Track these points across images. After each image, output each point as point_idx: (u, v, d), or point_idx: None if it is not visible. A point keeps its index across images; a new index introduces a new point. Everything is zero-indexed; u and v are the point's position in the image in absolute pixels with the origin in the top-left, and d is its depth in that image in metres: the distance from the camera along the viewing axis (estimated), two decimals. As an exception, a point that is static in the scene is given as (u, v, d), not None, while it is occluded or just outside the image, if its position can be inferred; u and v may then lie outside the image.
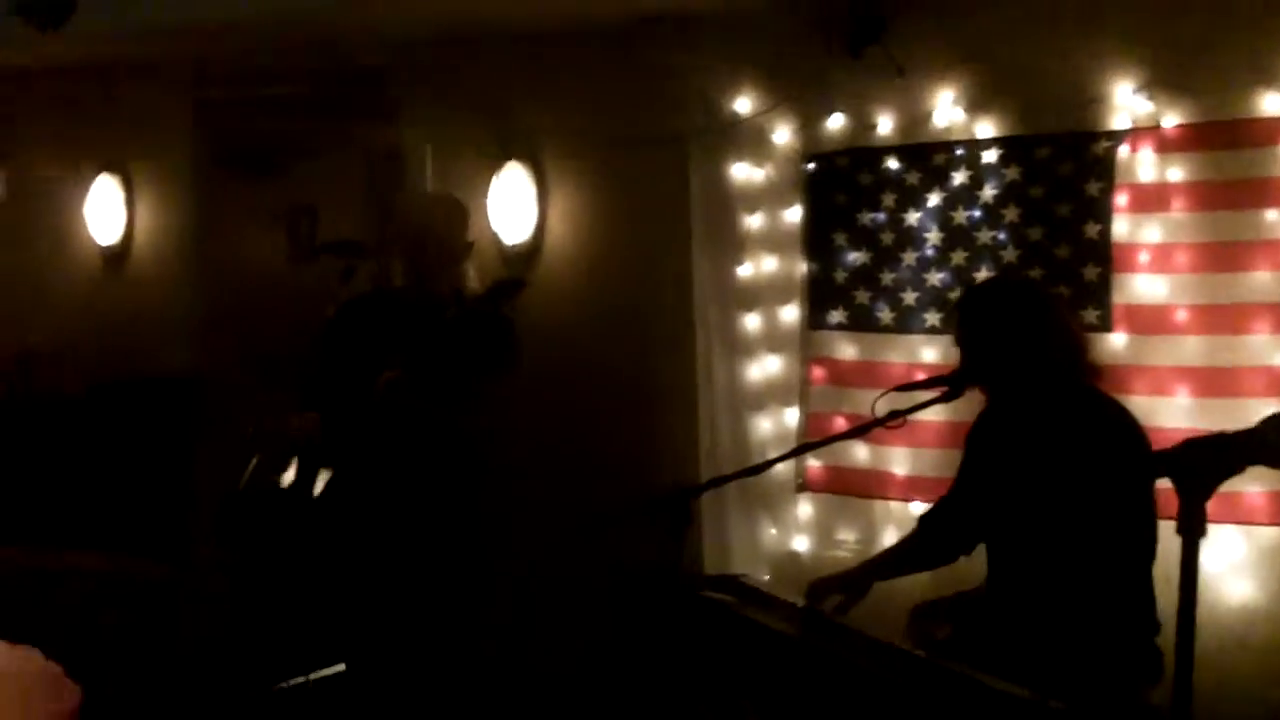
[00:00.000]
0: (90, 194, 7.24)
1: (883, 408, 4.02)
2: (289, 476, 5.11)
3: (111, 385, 7.01)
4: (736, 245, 5.44)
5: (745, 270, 5.44)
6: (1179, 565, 2.62)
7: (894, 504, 5.16)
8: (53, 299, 7.41)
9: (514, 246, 5.98)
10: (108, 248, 7.29)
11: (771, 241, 5.42)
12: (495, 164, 5.93)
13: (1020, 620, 3.94)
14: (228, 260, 7.04)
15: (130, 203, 7.19)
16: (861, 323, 5.25)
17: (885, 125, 5.16)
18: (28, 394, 7.22)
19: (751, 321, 5.46)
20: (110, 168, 7.21)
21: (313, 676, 5.07)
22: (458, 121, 6.10)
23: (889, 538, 5.07)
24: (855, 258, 5.25)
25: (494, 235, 5.96)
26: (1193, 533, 2.57)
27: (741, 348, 5.46)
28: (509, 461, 4.92)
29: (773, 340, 5.44)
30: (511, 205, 5.93)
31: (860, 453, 5.23)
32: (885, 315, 5.19)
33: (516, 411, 4.82)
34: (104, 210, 7.25)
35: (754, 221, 5.43)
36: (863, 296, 5.24)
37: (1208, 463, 2.63)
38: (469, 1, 5.28)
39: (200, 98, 6.91)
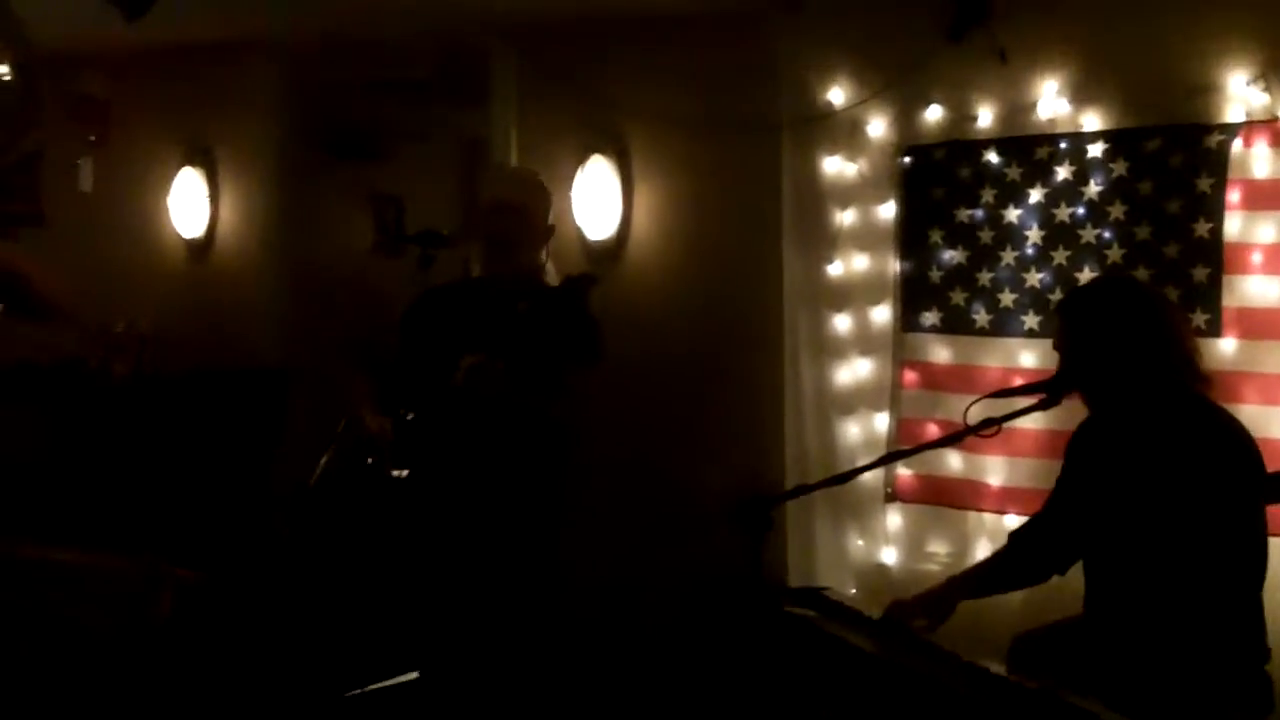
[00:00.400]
0: (174, 186, 7.21)
1: (976, 415, 3.87)
2: (362, 473, 5.02)
3: (202, 374, 6.96)
4: (828, 242, 5.31)
5: (836, 269, 5.32)
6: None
7: (988, 516, 4.99)
8: (140, 289, 7.37)
9: (598, 241, 5.89)
10: (192, 240, 7.25)
11: (864, 238, 5.29)
12: (581, 155, 5.85)
13: (1121, 645, 3.74)
14: (314, 250, 6.97)
15: (214, 195, 7.15)
16: (957, 325, 5.09)
17: (985, 116, 5.00)
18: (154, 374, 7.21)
19: (842, 322, 5.33)
20: (194, 158, 7.16)
21: (385, 684, 4.97)
22: (545, 110, 6.02)
23: (981, 551, 4.93)
24: (951, 256, 5.09)
25: (578, 230, 5.88)
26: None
27: (831, 349, 5.34)
28: (589, 459, 4.82)
29: (863, 342, 5.31)
30: (596, 199, 5.85)
31: (953, 461, 5.07)
32: (982, 317, 5.02)
33: (598, 408, 4.74)
34: (188, 202, 7.21)
35: (846, 217, 5.30)
36: (958, 297, 5.08)
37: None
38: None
39: (288, 81, 6.84)
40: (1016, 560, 4.08)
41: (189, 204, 7.20)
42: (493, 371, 4.38)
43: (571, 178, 5.87)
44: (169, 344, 7.14)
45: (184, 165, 7.19)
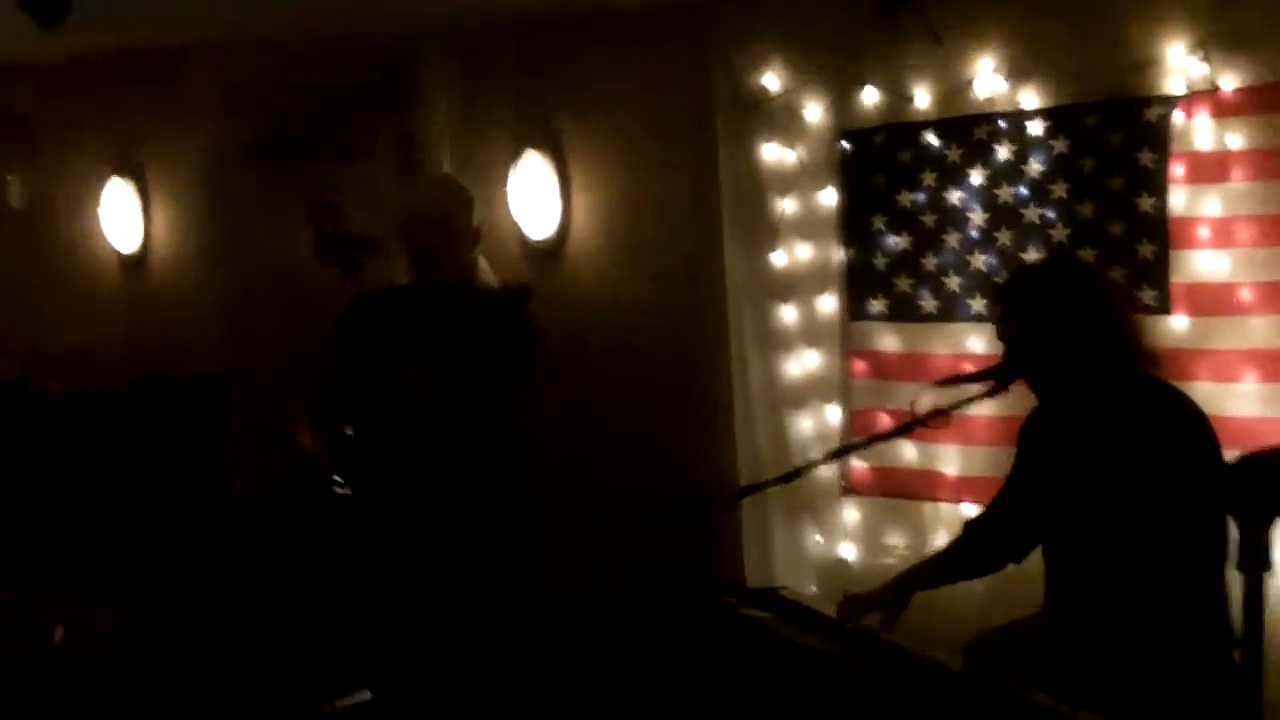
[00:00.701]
0: (103, 198, 7.11)
1: (927, 404, 3.82)
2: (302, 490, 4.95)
3: (142, 387, 6.87)
4: (769, 232, 5.22)
5: (779, 259, 5.23)
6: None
7: (944, 506, 4.92)
8: (76, 304, 7.27)
9: (537, 241, 5.81)
10: (126, 254, 7.16)
11: (806, 227, 5.20)
12: (515, 152, 5.77)
13: (1082, 636, 3.66)
14: (251, 259, 6.84)
15: (146, 206, 7.05)
16: (903, 312, 5.02)
17: (923, 98, 4.90)
18: (83, 391, 7.11)
19: (788, 313, 5.24)
20: (123, 169, 7.05)
21: (337, 705, 4.91)
22: (477, 110, 5.94)
23: (940, 542, 4.82)
24: (895, 242, 5.01)
25: (516, 228, 5.81)
26: (1256, 567, 2.23)
27: (778, 342, 5.25)
28: (536, 466, 4.78)
29: (811, 333, 5.22)
30: (533, 197, 5.76)
31: (907, 452, 4.99)
32: (929, 303, 4.95)
33: (543, 412, 4.69)
34: (120, 214, 7.10)
35: (787, 206, 5.20)
36: (904, 284, 5.00)
37: (1269, 483, 2.29)
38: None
39: (219, 87, 6.71)
40: (971, 550, 4.00)
41: (121, 216, 7.09)
42: (431, 380, 4.35)
43: (507, 176, 5.79)
44: (107, 359, 7.12)
45: (112, 175, 7.05)
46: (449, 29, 5.85)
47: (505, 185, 5.78)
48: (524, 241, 5.81)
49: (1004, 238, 4.76)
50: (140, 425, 6.62)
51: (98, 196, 7.12)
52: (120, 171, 7.07)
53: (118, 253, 7.16)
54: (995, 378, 3.88)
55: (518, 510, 4.67)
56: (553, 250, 5.77)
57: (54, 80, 7.10)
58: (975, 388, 3.90)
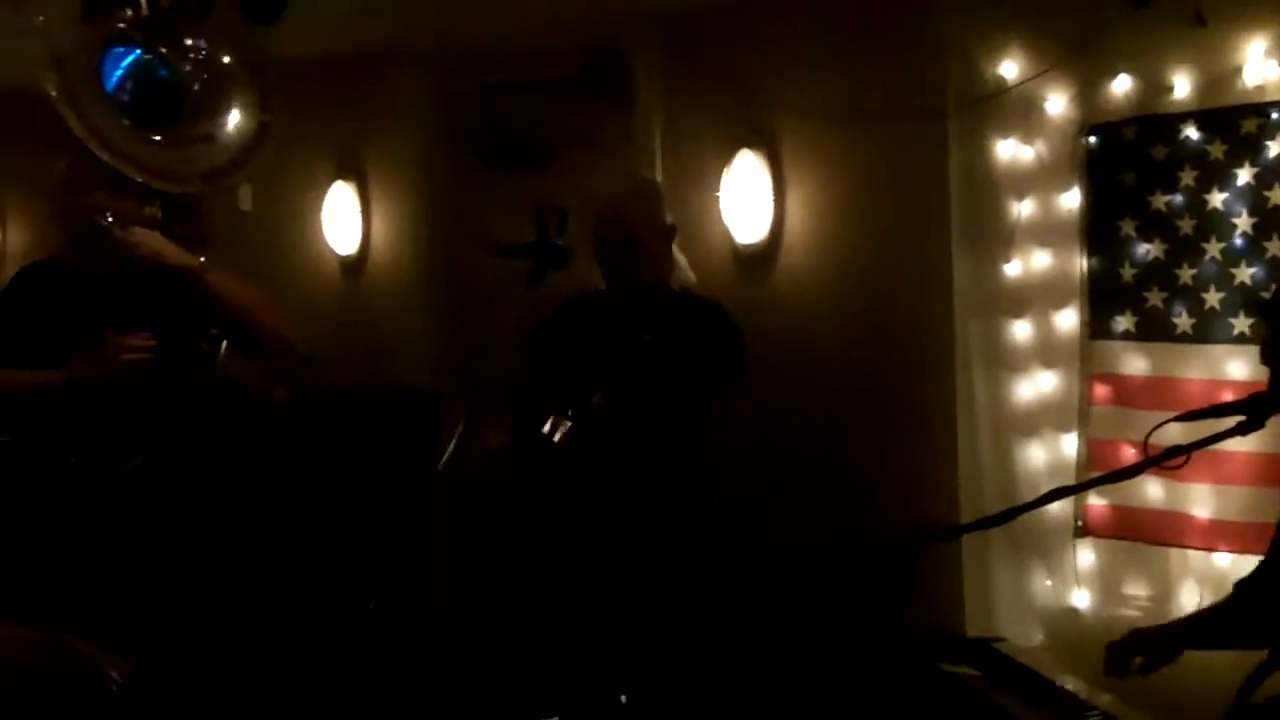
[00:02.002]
0: (326, 202, 7.10)
1: (1170, 438, 3.37)
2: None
3: (354, 398, 6.86)
4: (1003, 239, 4.89)
5: (1013, 269, 4.90)
6: None
7: (1194, 554, 4.49)
8: (295, 308, 7.29)
9: (748, 245, 5.56)
10: (345, 257, 7.13)
11: (1045, 233, 4.86)
12: (728, 152, 5.54)
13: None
14: (471, 264, 6.76)
15: (366, 210, 7.02)
16: (1154, 330, 4.64)
17: (1182, 86, 4.54)
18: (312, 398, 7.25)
19: (1021, 330, 4.91)
20: (345, 173, 7.04)
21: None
22: (690, 105, 5.71)
23: (1187, 595, 4.46)
24: (1146, 250, 4.64)
25: (726, 232, 5.59)
26: None
27: (1009, 361, 4.92)
28: (733, 490, 4.69)
29: (1046, 352, 4.88)
30: (745, 198, 5.53)
31: (1152, 490, 4.57)
32: (1183, 321, 4.57)
33: (747, 430, 4.72)
34: (341, 218, 7.09)
35: (1024, 209, 4.87)
36: (1156, 298, 4.62)
37: None
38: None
39: (435, 90, 6.68)
40: (1245, 616, 3.53)
41: (341, 220, 7.10)
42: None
43: (719, 176, 5.57)
44: (322, 366, 7.13)
45: (335, 180, 7.07)
46: (658, 17, 5.67)
47: (716, 185, 5.58)
48: (734, 245, 5.59)
49: (1275, 247, 4.37)
50: (352, 438, 6.57)
51: (321, 200, 7.14)
52: (343, 175, 7.07)
53: (337, 256, 7.16)
54: (1250, 412, 3.38)
55: (703, 539, 4.59)
56: (764, 255, 5.53)
57: (279, 82, 7.16)
58: (1225, 421, 3.39)
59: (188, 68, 4.16)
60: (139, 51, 4.12)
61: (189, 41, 4.16)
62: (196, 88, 4.16)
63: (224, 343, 4.25)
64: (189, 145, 4.15)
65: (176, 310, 4.11)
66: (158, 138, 4.08)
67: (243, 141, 4.25)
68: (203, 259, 4.15)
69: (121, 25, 4.10)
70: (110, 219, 3.99)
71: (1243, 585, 3.61)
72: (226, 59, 4.22)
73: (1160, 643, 3.54)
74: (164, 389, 4.13)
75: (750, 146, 5.51)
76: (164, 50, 4.13)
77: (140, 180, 4.02)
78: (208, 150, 4.18)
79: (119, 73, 4.09)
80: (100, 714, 2.94)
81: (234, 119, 4.21)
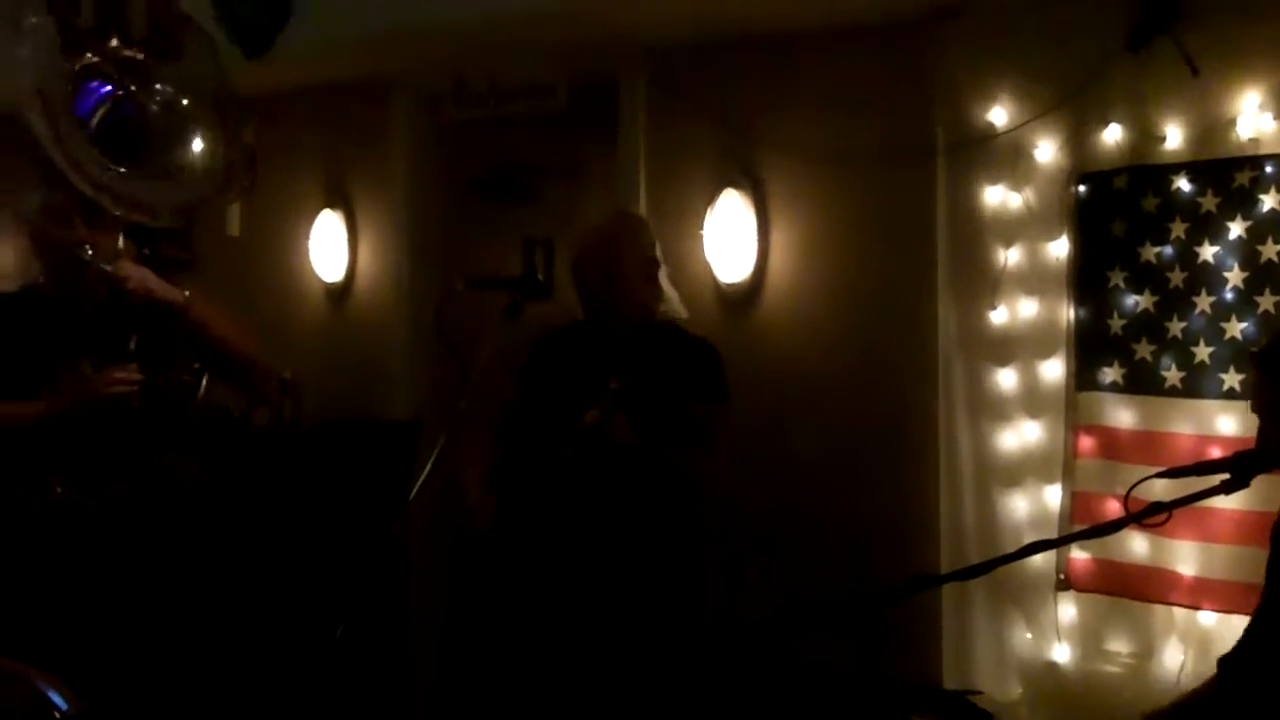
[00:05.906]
0: (314, 229, 7.10)
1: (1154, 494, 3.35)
2: None
3: (334, 425, 6.79)
4: (989, 285, 4.81)
5: (999, 316, 4.82)
6: None
7: (1179, 612, 4.37)
8: (280, 334, 7.24)
9: (731, 284, 5.52)
10: (331, 284, 7.11)
11: (1032, 281, 4.77)
12: (713, 190, 5.51)
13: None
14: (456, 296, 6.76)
15: (353, 239, 7.01)
16: (1142, 383, 4.53)
17: (1174, 136, 4.45)
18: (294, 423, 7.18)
19: (1006, 378, 4.82)
20: (333, 201, 7.05)
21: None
22: (675, 141, 5.68)
23: (1170, 653, 4.34)
24: (1135, 302, 4.55)
25: (709, 271, 5.55)
26: None
27: (993, 410, 4.83)
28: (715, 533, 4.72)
29: (1031, 402, 4.78)
30: (729, 237, 5.49)
31: (1137, 545, 4.46)
32: (1172, 374, 4.46)
33: (727, 474, 4.63)
34: (328, 246, 7.08)
35: (1011, 256, 4.79)
36: (1144, 350, 4.52)
37: None
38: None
39: (425, 121, 6.67)
40: (1233, 695, 3.48)
41: (329, 248, 7.08)
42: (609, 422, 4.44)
43: (703, 214, 5.53)
44: (305, 391, 7.07)
45: (324, 208, 7.07)
46: (643, 52, 5.68)
47: (700, 224, 5.55)
48: (717, 284, 5.55)
49: (1266, 302, 4.27)
50: (329, 464, 6.54)
51: (309, 228, 7.14)
52: (331, 203, 7.08)
53: (323, 283, 7.14)
54: (1234, 470, 3.35)
55: (692, 570, 4.65)
56: (746, 295, 5.48)
57: (267, 111, 7.16)
58: (1211, 479, 3.36)
59: (155, 105, 4.19)
60: (109, 88, 4.15)
61: (158, 85, 4.20)
62: (163, 124, 4.20)
63: (205, 376, 4.23)
64: (159, 179, 4.17)
65: (160, 342, 4.11)
66: (123, 170, 4.07)
67: (213, 179, 4.29)
68: (188, 292, 4.15)
69: (96, 59, 4.12)
70: (90, 252, 4.00)
71: (1225, 661, 3.55)
72: (195, 97, 4.26)
73: None
74: (147, 419, 4.11)
75: (735, 185, 5.47)
76: (134, 88, 4.15)
77: (117, 213, 4.03)
78: (178, 184, 4.20)
79: (89, 106, 4.12)
80: None
81: (201, 155, 4.25)
